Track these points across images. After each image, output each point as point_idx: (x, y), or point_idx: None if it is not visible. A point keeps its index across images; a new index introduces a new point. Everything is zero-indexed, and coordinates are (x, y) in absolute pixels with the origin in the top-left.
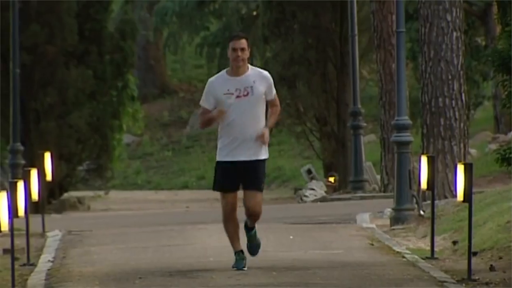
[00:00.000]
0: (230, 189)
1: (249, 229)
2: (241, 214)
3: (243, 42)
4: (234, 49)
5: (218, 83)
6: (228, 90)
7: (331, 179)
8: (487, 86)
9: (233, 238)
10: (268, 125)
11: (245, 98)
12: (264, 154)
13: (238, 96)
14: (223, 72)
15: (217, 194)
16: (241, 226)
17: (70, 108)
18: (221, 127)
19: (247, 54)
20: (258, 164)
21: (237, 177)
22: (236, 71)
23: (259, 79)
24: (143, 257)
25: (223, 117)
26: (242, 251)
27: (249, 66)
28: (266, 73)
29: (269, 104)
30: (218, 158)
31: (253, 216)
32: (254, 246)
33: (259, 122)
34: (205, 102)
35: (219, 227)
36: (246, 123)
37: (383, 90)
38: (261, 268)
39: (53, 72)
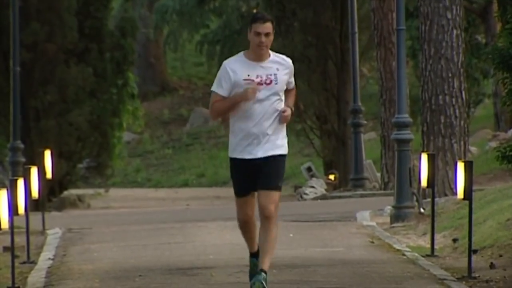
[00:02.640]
0: (247, 191)
1: (261, 271)
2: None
3: (268, 26)
4: (258, 34)
5: (237, 67)
6: (248, 75)
7: (331, 177)
8: (487, 83)
9: (251, 238)
10: (289, 105)
11: (267, 86)
12: (283, 149)
13: (259, 84)
14: (241, 54)
15: (217, 192)
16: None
17: (70, 106)
18: (235, 118)
19: (271, 39)
20: (276, 160)
21: (253, 177)
22: (258, 57)
23: (282, 66)
24: (143, 254)
25: (253, 95)
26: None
27: (270, 51)
28: (289, 60)
29: (286, 92)
30: (232, 155)
31: (265, 217)
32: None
33: (278, 115)
34: (219, 87)
35: (219, 224)
36: (265, 115)
37: (383, 88)
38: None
39: (53, 70)
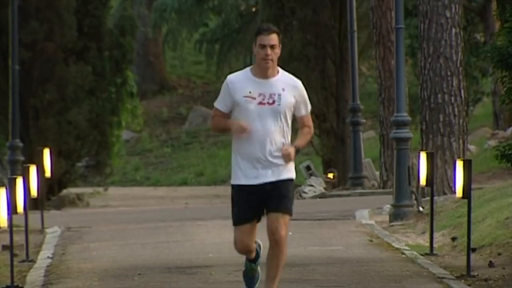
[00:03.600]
0: (247, 220)
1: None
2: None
3: (274, 38)
4: (263, 46)
5: (239, 83)
6: (250, 92)
7: (330, 176)
8: (486, 82)
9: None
10: (296, 144)
11: (270, 106)
12: (291, 173)
13: (261, 103)
14: (247, 70)
15: (216, 190)
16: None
17: (69, 105)
18: (237, 140)
19: (278, 52)
20: (283, 184)
21: (256, 205)
22: (264, 73)
23: (290, 87)
24: (142, 253)
25: (242, 133)
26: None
27: (280, 69)
28: (299, 82)
29: (299, 123)
30: (234, 181)
31: (276, 242)
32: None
33: (284, 139)
34: (220, 103)
35: (218, 223)
36: (268, 138)
37: (382, 86)
38: (260, 264)
39: (52, 68)
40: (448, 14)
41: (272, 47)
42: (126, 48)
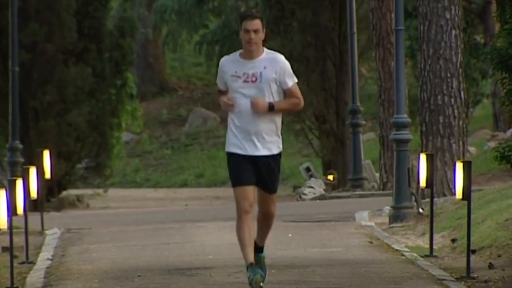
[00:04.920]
0: (245, 181)
1: (259, 248)
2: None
3: (257, 23)
4: (247, 31)
5: (228, 63)
6: (235, 72)
7: (330, 177)
8: (486, 84)
9: (246, 246)
10: (272, 101)
11: (253, 84)
12: (277, 148)
13: (245, 81)
14: (237, 52)
15: (216, 192)
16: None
17: (69, 106)
18: (230, 114)
19: (261, 36)
20: (272, 161)
21: (251, 170)
22: (249, 55)
23: (271, 63)
24: (142, 255)
25: (229, 107)
26: (255, 264)
27: (265, 49)
28: (280, 57)
29: (287, 96)
30: (228, 149)
31: (266, 216)
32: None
33: (272, 115)
34: (219, 81)
35: (218, 224)
36: (255, 114)
37: (382, 88)
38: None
39: (52, 70)
40: (448, 16)
41: (255, 31)
42: (126, 50)
